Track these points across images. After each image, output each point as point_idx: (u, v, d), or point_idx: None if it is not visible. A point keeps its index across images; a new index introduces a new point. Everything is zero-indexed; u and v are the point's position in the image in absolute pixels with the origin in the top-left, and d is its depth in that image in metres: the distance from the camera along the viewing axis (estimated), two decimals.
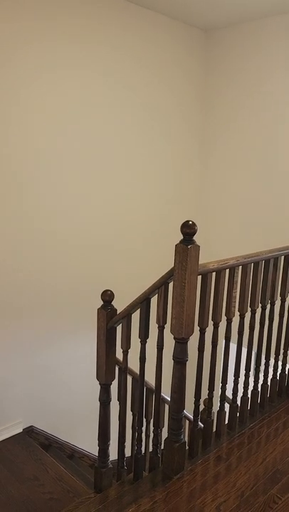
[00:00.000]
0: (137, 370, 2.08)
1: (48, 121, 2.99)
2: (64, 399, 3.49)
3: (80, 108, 3.15)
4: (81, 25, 3.02)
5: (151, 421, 2.30)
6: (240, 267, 2.00)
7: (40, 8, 2.79)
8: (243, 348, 2.19)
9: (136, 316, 1.91)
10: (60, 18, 2.90)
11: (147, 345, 1.94)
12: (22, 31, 2.73)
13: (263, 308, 2.25)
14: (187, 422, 2.67)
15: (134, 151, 3.61)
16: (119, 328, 1.97)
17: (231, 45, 3.80)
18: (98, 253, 3.51)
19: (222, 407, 2.14)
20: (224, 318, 2.01)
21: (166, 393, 2.10)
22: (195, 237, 1.63)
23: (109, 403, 2.03)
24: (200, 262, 1.68)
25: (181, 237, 1.62)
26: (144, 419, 2.38)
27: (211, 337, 1.99)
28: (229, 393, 2.28)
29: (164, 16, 3.53)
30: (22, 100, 2.83)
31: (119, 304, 2.00)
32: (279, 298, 2.36)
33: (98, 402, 2.04)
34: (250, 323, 2.20)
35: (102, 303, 1.97)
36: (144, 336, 1.90)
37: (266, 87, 3.63)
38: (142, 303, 1.86)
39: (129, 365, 2.05)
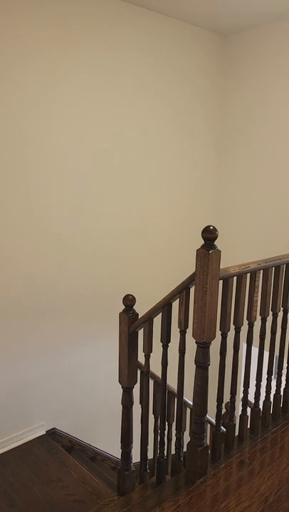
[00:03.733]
0: (158, 373, 2.10)
1: (68, 125, 3.03)
2: (86, 402, 3.53)
3: (99, 112, 3.19)
4: (102, 31, 3.07)
5: (173, 424, 2.30)
6: (262, 271, 1.99)
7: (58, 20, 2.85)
8: (264, 351, 2.18)
9: (158, 321, 1.93)
10: (84, 27, 2.95)
11: (169, 349, 1.95)
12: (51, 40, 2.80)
13: (285, 312, 2.24)
14: (209, 425, 2.67)
15: (153, 156, 3.63)
16: (140, 332, 1.99)
17: (250, 48, 3.78)
18: (120, 258, 3.53)
19: (244, 411, 2.14)
20: (246, 322, 2.01)
21: (187, 397, 2.10)
22: (216, 242, 1.64)
23: (131, 406, 2.05)
24: (221, 267, 1.69)
25: (202, 241, 1.64)
26: (166, 423, 2.39)
27: (232, 341, 2.00)
28: (251, 397, 2.27)
29: (182, 21, 3.54)
30: (42, 104, 2.88)
31: (141, 309, 2.02)
32: None
33: (120, 405, 2.06)
34: (271, 327, 2.19)
35: (123, 307, 2.00)
36: (165, 340, 1.91)
37: (286, 91, 3.60)
38: (164, 307, 1.88)
39: (151, 369, 2.07)
